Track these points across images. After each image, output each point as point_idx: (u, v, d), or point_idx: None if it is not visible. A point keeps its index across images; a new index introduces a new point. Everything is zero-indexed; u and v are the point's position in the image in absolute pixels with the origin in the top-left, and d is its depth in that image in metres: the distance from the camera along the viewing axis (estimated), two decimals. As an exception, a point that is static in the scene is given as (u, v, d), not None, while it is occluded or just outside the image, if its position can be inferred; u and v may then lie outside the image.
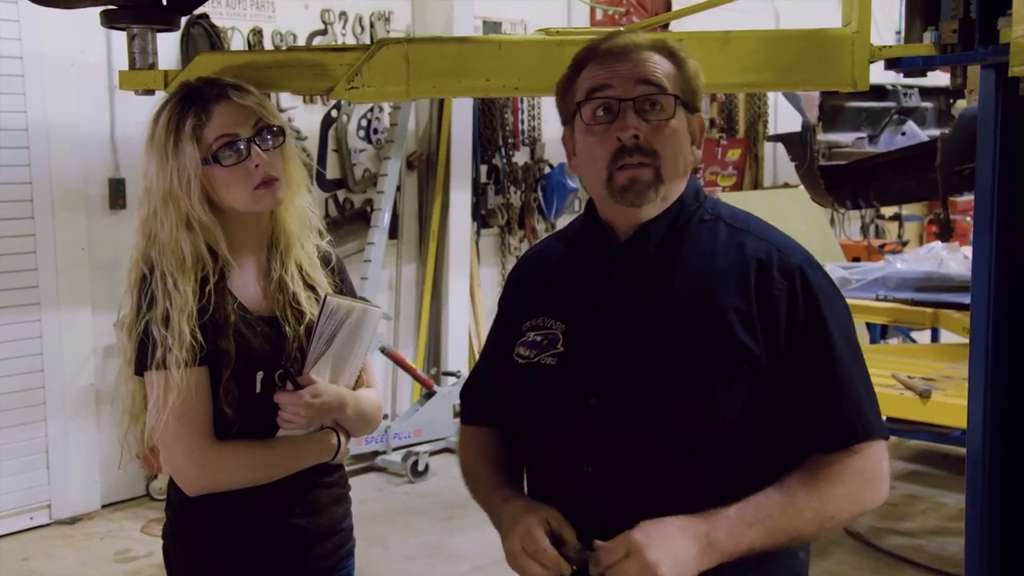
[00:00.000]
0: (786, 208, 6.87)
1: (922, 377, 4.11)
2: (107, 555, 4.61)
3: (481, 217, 6.73)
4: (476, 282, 6.63)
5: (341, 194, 6.07)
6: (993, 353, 2.28)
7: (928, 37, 2.23)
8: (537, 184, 6.98)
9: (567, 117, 1.65)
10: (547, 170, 7.00)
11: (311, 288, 1.96)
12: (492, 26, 6.61)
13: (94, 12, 2.17)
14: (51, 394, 4.90)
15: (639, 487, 1.54)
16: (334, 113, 5.94)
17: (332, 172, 6.00)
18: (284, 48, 5.44)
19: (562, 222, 6.72)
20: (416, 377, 5.88)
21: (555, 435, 1.63)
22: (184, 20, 2.54)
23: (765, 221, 1.67)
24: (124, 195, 5.02)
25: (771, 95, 8.41)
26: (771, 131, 8.46)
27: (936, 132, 5.34)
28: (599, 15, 6.01)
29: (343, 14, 5.92)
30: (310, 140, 5.82)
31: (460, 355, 6.44)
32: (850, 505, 1.53)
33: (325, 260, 2.03)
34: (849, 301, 1.69)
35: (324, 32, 5.85)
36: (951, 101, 5.81)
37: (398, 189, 6.10)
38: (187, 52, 5.01)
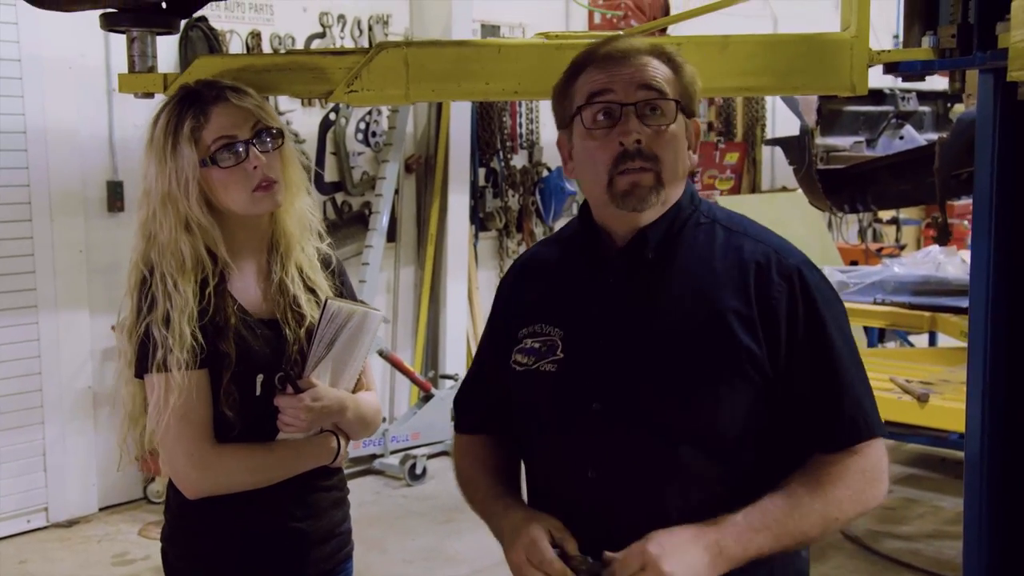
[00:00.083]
0: (784, 212, 6.88)
1: (920, 381, 4.12)
2: (104, 558, 4.61)
3: (479, 220, 6.73)
4: (474, 285, 6.63)
5: (339, 197, 6.07)
6: (991, 357, 2.28)
7: (927, 41, 2.24)
8: (535, 187, 6.98)
9: (564, 121, 1.65)
10: (545, 173, 7.00)
11: (311, 291, 1.96)
12: (490, 29, 6.61)
13: (93, 15, 2.17)
14: (48, 397, 4.89)
15: (643, 491, 1.54)
16: (332, 116, 5.95)
17: (330, 175, 6.00)
18: (282, 51, 5.45)
19: (560, 225, 6.71)
20: (414, 380, 5.88)
21: (557, 441, 1.62)
22: (183, 23, 2.54)
23: (760, 224, 1.67)
24: (122, 198, 5.02)
25: (769, 99, 8.39)
26: (769, 135, 8.45)
27: (934, 136, 5.34)
28: (597, 19, 6.00)
29: (341, 17, 5.93)
30: (308, 143, 5.83)
31: (458, 358, 6.43)
32: (853, 505, 1.54)
33: (325, 263, 2.03)
34: (847, 305, 1.70)
35: (322, 35, 5.86)
36: (949, 105, 5.81)
37: (396, 192, 6.10)
38: (186, 55, 5.01)
